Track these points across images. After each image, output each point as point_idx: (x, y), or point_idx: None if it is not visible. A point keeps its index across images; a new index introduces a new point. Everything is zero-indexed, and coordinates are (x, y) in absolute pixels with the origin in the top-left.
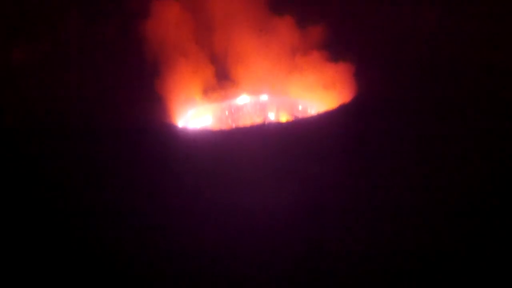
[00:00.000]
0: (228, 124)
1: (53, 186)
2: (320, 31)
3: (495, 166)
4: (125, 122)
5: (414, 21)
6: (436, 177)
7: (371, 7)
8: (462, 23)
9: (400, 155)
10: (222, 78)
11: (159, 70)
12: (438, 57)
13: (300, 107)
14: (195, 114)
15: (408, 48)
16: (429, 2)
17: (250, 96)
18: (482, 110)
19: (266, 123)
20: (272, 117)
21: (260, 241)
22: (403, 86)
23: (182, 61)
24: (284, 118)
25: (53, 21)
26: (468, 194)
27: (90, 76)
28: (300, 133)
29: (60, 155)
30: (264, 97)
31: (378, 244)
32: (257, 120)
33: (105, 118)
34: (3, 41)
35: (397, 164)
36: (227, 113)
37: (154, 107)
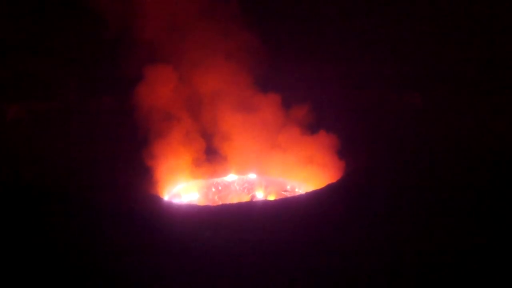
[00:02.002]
0: (214, 201)
1: (32, 255)
2: (305, 109)
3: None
4: (110, 192)
5: (402, 98)
6: (428, 260)
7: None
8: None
9: (392, 234)
10: (211, 154)
11: (148, 141)
12: (427, 132)
13: (288, 187)
14: (182, 189)
15: (392, 125)
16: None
17: (237, 175)
18: (479, 190)
19: (253, 200)
20: (259, 195)
21: None
22: (391, 163)
23: (173, 133)
24: (272, 197)
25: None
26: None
27: (79, 143)
28: (287, 212)
29: (39, 222)
30: (252, 176)
31: None
32: (244, 198)
33: (90, 188)
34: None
35: (390, 245)
36: (213, 189)
37: (141, 179)
